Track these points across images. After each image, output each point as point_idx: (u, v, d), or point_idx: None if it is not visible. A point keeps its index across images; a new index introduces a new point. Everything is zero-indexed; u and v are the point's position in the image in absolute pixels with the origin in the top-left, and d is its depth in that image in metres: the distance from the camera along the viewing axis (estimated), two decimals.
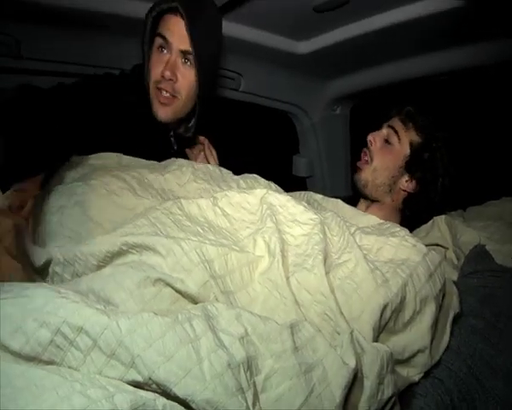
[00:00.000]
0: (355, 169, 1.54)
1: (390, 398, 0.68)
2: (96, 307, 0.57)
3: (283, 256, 0.80)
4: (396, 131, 1.46)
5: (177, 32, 1.25)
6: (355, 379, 0.64)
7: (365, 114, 2.33)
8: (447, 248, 1.30)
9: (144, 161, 1.16)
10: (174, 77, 1.29)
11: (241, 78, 1.90)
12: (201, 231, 0.82)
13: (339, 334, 0.70)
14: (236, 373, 0.55)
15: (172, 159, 1.18)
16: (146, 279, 0.68)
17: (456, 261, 1.25)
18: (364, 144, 1.51)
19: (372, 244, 0.93)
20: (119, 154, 1.14)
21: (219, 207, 0.91)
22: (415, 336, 0.82)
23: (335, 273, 0.82)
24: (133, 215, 0.85)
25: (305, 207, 0.96)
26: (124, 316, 0.55)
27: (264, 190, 0.96)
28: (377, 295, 0.77)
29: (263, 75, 1.96)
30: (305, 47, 1.79)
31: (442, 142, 1.44)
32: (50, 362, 0.54)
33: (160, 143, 1.37)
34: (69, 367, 0.54)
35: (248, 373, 0.56)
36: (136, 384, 0.53)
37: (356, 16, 1.57)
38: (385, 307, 0.77)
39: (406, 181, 1.45)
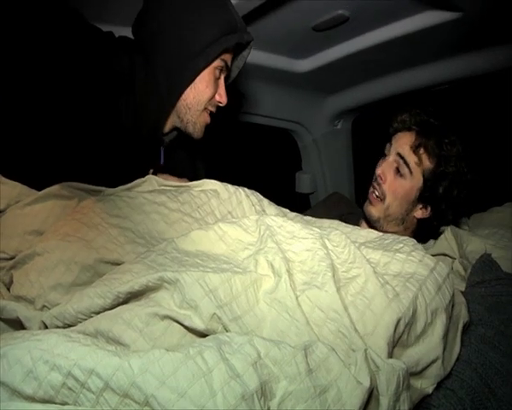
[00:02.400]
0: (365, 199, 1.48)
1: None
2: (107, 349, 0.58)
3: (290, 274, 0.80)
4: (407, 164, 1.38)
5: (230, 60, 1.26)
6: (371, 397, 0.63)
7: (368, 126, 2.34)
8: (454, 259, 1.30)
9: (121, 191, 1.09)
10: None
11: (242, 98, 1.93)
12: (201, 262, 0.82)
13: (354, 351, 0.70)
14: (250, 403, 0.54)
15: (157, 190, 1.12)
16: (154, 316, 0.69)
17: (463, 272, 1.24)
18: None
19: (379, 259, 0.93)
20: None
21: (214, 231, 0.91)
22: (428, 347, 0.82)
23: (347, 290, 0.82)
24: (127, 264, 0.84)
25: (302, 224, 0.97)
26: (135, 355, 0.56)
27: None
28: (390, 310, 0.77)
29: (264, 95, 1.98)
30: (305, 65, 1.82)
31: (457, 160, 1.36)
32: (64, 404, 0.54)
33: (148, 154, 1.28)
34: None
35: (262, 400, 0.56)
36: None
37: (354, 33, 1.60)
38: (398, 321, 0.77)
39: (420, 209, 1.41)
